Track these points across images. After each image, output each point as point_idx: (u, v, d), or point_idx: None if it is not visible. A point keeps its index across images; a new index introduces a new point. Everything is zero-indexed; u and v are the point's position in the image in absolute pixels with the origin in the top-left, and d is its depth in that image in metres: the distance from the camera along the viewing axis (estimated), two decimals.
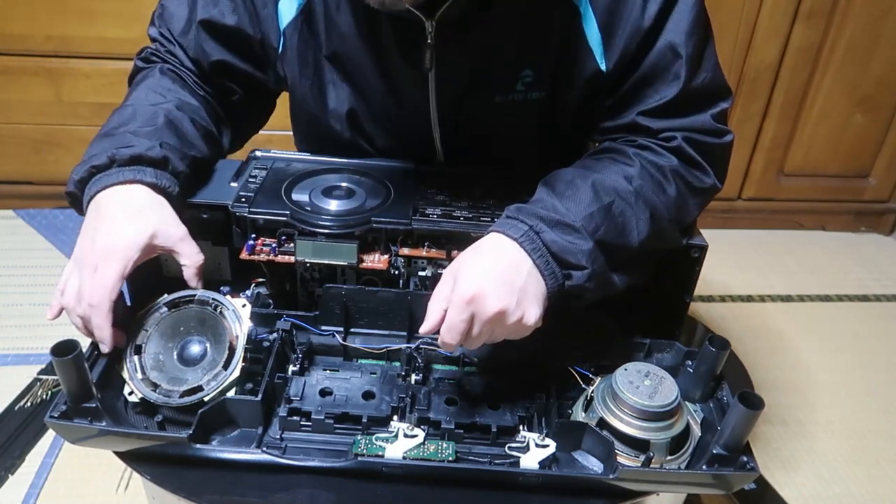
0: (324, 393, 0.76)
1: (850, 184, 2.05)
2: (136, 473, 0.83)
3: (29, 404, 1.37)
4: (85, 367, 0.66)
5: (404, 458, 0.69)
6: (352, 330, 0.81)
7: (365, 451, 0.70)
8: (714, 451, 0.68)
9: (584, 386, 0.76)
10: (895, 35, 1.81)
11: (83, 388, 0.67)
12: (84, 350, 0.68)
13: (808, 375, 1.59)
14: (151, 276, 0.81)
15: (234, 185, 0.84)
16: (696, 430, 0.75)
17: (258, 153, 0.92)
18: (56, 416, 0.68)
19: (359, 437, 0.71)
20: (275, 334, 0.78)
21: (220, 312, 0.76)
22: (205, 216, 0.82)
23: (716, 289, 1.84)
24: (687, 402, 0.76)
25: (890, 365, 1.64)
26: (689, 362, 0.78)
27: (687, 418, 0.73)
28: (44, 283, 1.69)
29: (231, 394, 0.72)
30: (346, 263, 0.79)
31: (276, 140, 1.21)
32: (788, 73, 1.84)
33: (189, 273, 0.76)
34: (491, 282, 0.67)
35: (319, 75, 0.88)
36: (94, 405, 0.67)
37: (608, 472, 0.68)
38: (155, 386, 0.72)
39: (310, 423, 0.72)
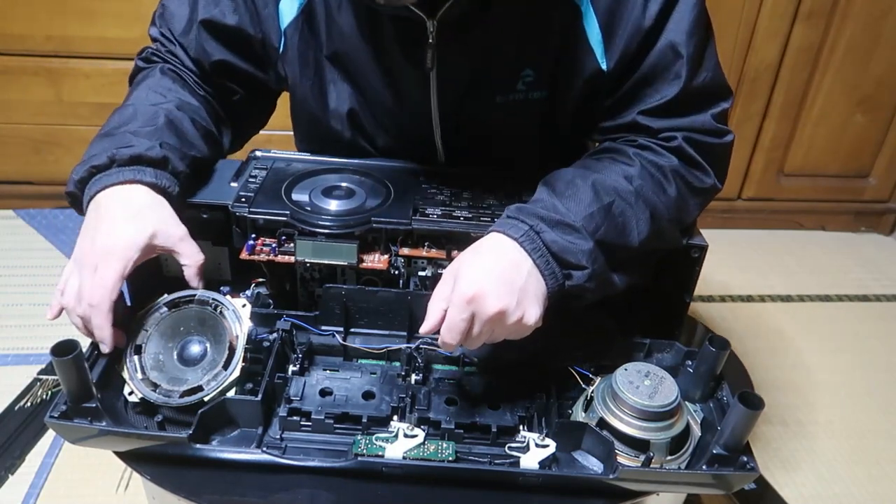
0: (324, 393, 0.76)
1: (850, 184, 2.05)
2: (136, 473, 0.83)
3: (29, 404, 1.37)
4: (85, 367, 0.66)
5: (404, 458, 0.69)
6: (352, 330, 0.81)
7: (365, 451, 0.70)
8: (714, 451, 0.68)
9: (584, 386, 0.76)
10: (895, 35, 1.81)
11: (83, 388, 0.67)
12: (84, 350, 0.68)
13: (808, 375, 1.59)
14: (151, 276, 0.81)
15: (234, 185, 0.84)
16: (696, 430, 0.75)
17: (258, 153, 0.92)
18: (56, 416, 0.68)
19: (359, 437, 0.71)
20: (275, 334, 0.78)
21: (220, 312, 0.76)
22: (205, 216, 0.82)
23: (716, 289, 1.84)
24: (687, 402, 0.76)
25: (890, 365, 1.64)
26: (689, 362, 0.78)
27: (687, 418, 0.73)
28: (44, 283, 1.69)
29: (231, 394, 0.72)
30: (346, 263, 0.79)
31: (276, 140, 1.21)
32: (788, 73, 1.83)
33: (190, 273, 0.76)
34: (491, 281, 0.67)
35: (320, 75, 0.88)
36: (94, 405, 0.67)
37: (608, 472, 0.68)
38: (155, 386, 0.72)
39: (310, 423, 0.72)
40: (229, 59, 0.87)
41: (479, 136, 0.90)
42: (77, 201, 0.77)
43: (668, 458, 0.71)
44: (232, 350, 0.74)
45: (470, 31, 0.79)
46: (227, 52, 0.87)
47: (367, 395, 0.76)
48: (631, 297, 0.80)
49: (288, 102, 0.98)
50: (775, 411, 1.49)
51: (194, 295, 0.76)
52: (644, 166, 0.78)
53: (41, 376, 1.44)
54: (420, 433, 0.71)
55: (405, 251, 0.80)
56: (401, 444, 0.70)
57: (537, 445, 0.71)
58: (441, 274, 0.71)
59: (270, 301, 0.83)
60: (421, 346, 0.79)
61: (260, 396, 0.71)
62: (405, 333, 0.81)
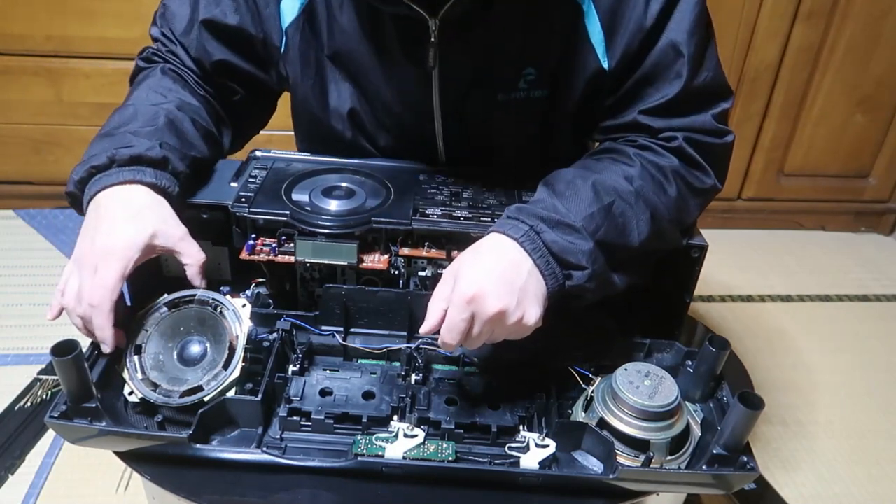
0: (324, 393, 0.76)
1: (850, 184, 2.05)
2: (136, 473, 0.83)
3: (29, 404, 1.37)
4: (85, 367, 0.66)
5: (404, 458, 0.69)
6: (352, 330, 0.81)
7: (365, 451, 0.70)
8: (714, 451, 0.68)
9: (584, 386, 0.76)
10: (895, 35, 1.81)
11: (83, 388, 0.67)
12: (84, 350, 0.68)
13: (808, 375, 1.59)
14: (151, 276, 0.81)
15: (234, 185, 0.84)
16: (696, 430, 0.75)
17: (258, 153, 0.92)
18: (56, 416, 0.68)
19: (359, 437, 0.71)
20: (275, 334, 0.78)
21: (220, 312, 0.76)
22: (205, 216, 0.82)
23: (716, 289, 1.85)
24: (687, 402, 0.76)
25: (890, 365, 1.64)
26: (689, 362, 0.78)
27: (687, 418, 0.73)
28: (44, 283, 1.69)
29: (231, 394, 0.72)
30: (346, 263, 0.79)
31: (276, 140, 1.21)
32: (788, 73, 1.84)
33: (192, 272, 0.76)
34: (491, 282, 0.67)
35: (321, 75, 0.88)
36: (94, 405, 0.67)
37: (608, 472, 0.68)
38: (155, 386, 0.72)
39: (310, 423, 0.72)
40: (230, 58, 0.87)
41: (481, 135, 0.90)
42: (77, 201, 0.77)
43: (668, 458, 0.71)
44: (232, 350, 0.74)
45: (472, 30, 0.80)
46: (227, 52, 0.87)
47: (367, 395, 0.76)
48: (631, 297, 0.80)
49: (288, 102, 0.98)
50: (775, 411, 1.49)
51: (194, 295, 0.76)
52: (644, 166, 0.78)
53: (41, 376, 1.44)
54: (420, 433, 0.71)
55: (405, 251, 0.80)
56: (401, 444, 0.70)
57: (537, 445, 0.71)
58: (441, 274, 0.71)
59: (270, 301, 0.83)
60: (421, 346, 0.79)
61: (260, 396, 0.71)
62: (405, 333, 0.81)
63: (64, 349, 0.64)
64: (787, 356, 1.64)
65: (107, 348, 0.71)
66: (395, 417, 0.74)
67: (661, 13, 0.77)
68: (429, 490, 0.69)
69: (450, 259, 0.79)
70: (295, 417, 0.72)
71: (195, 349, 0.75)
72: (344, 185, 0.85)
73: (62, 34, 1.70)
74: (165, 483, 0.69)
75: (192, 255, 0.75)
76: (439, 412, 0.74)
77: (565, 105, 0.86)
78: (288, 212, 0.79)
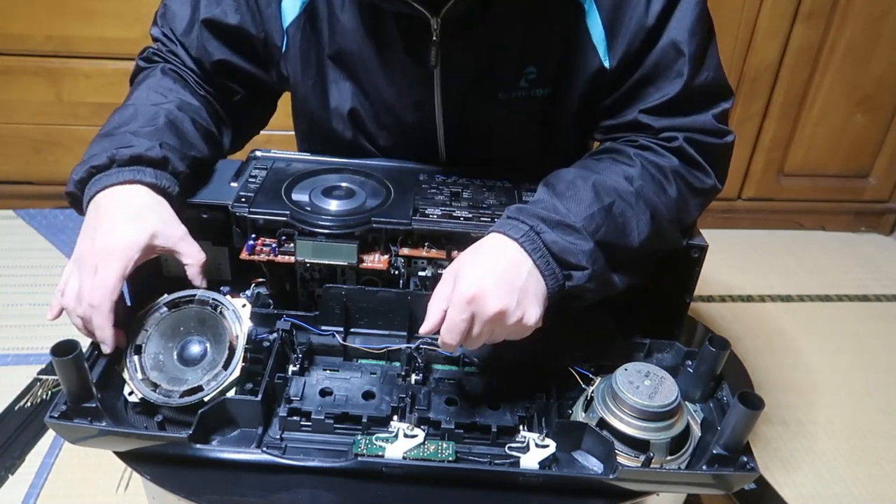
0: (324, 393, 0.76)
1: (850, 184, 2.05)
2: (136, 473, 0.83)
3: (29, 404, 1.37)
4: (85, 367, 0.66)
5: (404, 458, 0.69)
6: (352, 330, 0.81)
7: (365, 451, 0.70)
8: (714, 451, 0.68)
9: (584, 386, 0.76)
10: (895, 35, 1.81)
11: (83, 388, 0.67)
12: (84, 350, 0.68)
13: (808, 375, 1.59)
14: (151, 276, 0.81)
15: (234, 185, 0.84)
16: (696, 430, 0.75)
17: (258, 153, 0.92)
18: (56, 416, 0.68)
19: (359, 437, 0.71)
20: (275, 334, 0.78)
21: (220, 312, 0.76)
22: (205, 216, 0.82)
23: (716, 289, 1.85)
24: (687, 402, 0.76)
25: (890, 365, 1.64)
26: (689, 362, 0.78)
27: (687, 418, 0.73)
28: (44, 283, 1.69)
29: (231, 394, 0.72)
30: (346, 263, 0.79)
31: (276, 140, 1.21)
32: (788, 73, 1.84)
33: (193, 272, 0.76)
34: (491, 282, 0.67)
35: (322, 74, 0.88)
36: (94, 405, 0.67)
37: (608, 472, 0.68)
38: (155, 386, 0.72)
39: (310, 423, 0.72)
40: (230, 58, 0.88)
41: (482, 134, 0.90)
42: (77, 201, 0.77)
43: (668, 458, 0.71)
44: (232, 350, 0.74)
45: (473, 29, 0.80)
46: (228, 52, 0.87)
47: (367, 395, 0.76)
48: (631, 297, 0.80)
49: (288, 102, 0.98)
50: (775, 411, 1.49)
51: (194, 295, 0.76)
52: (645, 167, 0.78)
53: (41, 376, 1.44)
54: (420, 433, 0.71)
55: (405, 251, 0.80)
56: (401, 444, 0.70)
57: (537, 445, 0.71)
58: (441, 274, 0.71)
59: (270, 301, 0.83)
60: (421, 346, 0.79)
61: (260, 396, 0.71)
62: (405, 333, 0.81)
63: (64, 349, 0.64)
64: (787, 356, 1.64)
65: (107, 348, 0.71)
66: (395, 417, 0.74)
67: (662, 12, 0.77)
68: (429, 490, 0.69)
69: (450, 259, 0.79)
70: (295, 417, 0.72)
71: (195, 349, 0.75)
72: (344, 185, 0.85)
73: (62, 34, 1.70)
74: (165, 483, 0.69)
75: (192, 255, 0.75)
76: (439, 412, 0.74)
77: (566, 104, 0.86)
78: (288, 212, 0.79)
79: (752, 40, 1.78)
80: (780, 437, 1.43)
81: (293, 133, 1.02)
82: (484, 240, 0.72)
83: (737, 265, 1.94)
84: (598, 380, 0.76)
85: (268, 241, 0.80)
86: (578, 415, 0.75)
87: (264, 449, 0.70)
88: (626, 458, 0.70)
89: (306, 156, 0.92)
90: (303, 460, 0.69)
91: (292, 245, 0.79)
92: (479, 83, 0.84)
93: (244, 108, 0.93)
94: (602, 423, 0.72)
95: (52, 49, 1.72)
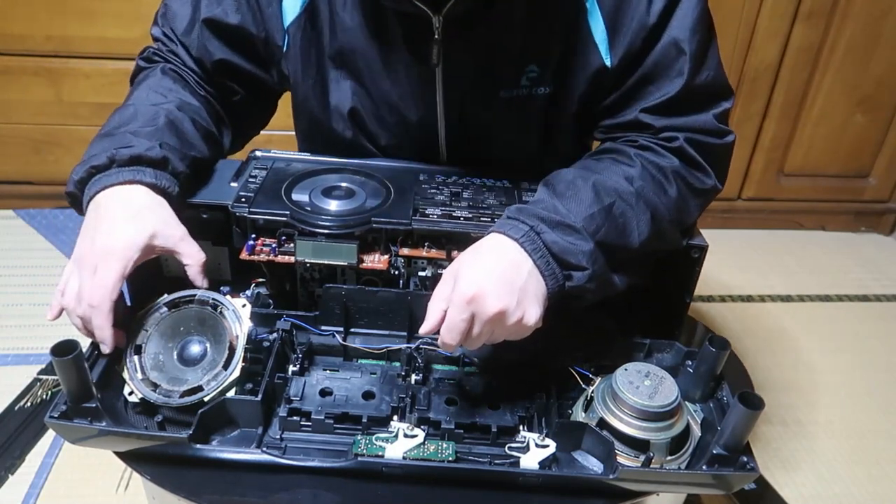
0: (324, 393, 0.76)
1: (850, 184, 2.05)
2: (136, 473, 0.83)
3: (29, 404, 1.37)
4: (85, 367, 0.66)
5: (404, 458, 0.69)
6: (352, 330, 0.81)
7: (365, 451, 0.70)
8: (714, 451, 0.68)
9: (584, 386, 0.76)
10: (895, 35, 1.81)
11: (83, 388, 0.67)
12: (84, 350, 0.68)
13: (808, 375, 1.59)
14: (151, 276, 0.82)
15: (234, 185, 0.84)
16: (696, 430, 0.75)
17: (258, 153, 0.92)
18: (56, 416, 0.68)
19: (359, 437, 0.71)
20: (275, 334, 0.78)
21: (220, 312, 0.76)
22: (205, 216, 0.82)
23: (716, 289, 1.84)
24: (687, 402, 0.76)
25: (890, 365, 1.64)
26: (689, 362, 0.78)
27: (687, 418, 0.73)
28: (44, 283, 1.69)
29: (231, 394, 0.72)
30: (346, 263, 0.79)
31: (276, 140, 1.21)
32: (788, 73, 1.84)
33: (193, 272, 0.76)
34: (491, 282, 0.67)
35: (322, 73, 0.88)
36: (94, 405, 0.67)
37: (608, 472, 0.68)
38: (155, 386, 0.72)
39: (310, 423, 0.72)
40: (231, 58, 0.88)
41: (483, 132, 0.90)
42: (77, 201, 0.77)
43: (668, 458, 0.71)
44: (232, 350, 0.74)
45: (475, 28, 0.80)
46: (228, 52, 0.87)
47: (367, 395, 0.76)
48: (631, 298, 0.80)
49: (288, 102, 0.98)
50: (775, 411, 1.49)
51: (194, 295, 0.76)
52: (645, 167, 0.78)
53: (41, 376, 1.44)
54: (420, 433, 0.71)
55: (405, 251, 0.80)
56: (401, 444, 0.70)
57: (537, 445, 0.71)
58: (441, 274, 0.71)
59: (270, 301, 0.83)
60: (421, 346, 0.79)
61: (260, 396, 0.71)
62: (405, 333, 0.81)
63: (64, 349, 0.64)
64: (787, 356, 1.64)
65: (106, 348, 0.71)
66: (395, 417, 0.74)
67: (663, 11, 0.77)
68: (429, 490, 0.69)
69: (450, 259, 0.79)
70: (295, 417, 0.72)
71: (195, 349, 0.75)
72: (344, 185, 0.85)
73: (62, 34, 1.70)
74: (165, 483, 0.69)
75: (191, 256, 0.75)
76: (439, 412, 0.74)
77: (567, 103, 0.86)
78: (288, 212, 0.79)
79: (752, 40, 1.78)
80: (780, 437, 1.43)
81: (293, 133, 1.02)
82: (484, 240, 0.72)
83: (737, 265, 1.94)
84: (598, 380, 0.76)
85: (268, 241, 0.80)
86: (578, 415, 0.75)
87: (264, 449, 0.70)
88: (626, 458, 0.70)
89: (306, 156, 0.92)
90: (303, 460, 0.69)
91: (292, 245, 0.79)
92: (480, 81, 0.84)
93: (244, 109, 0.94)
94: (602, 423, 0.72)
95: (52, 49, 1.72)
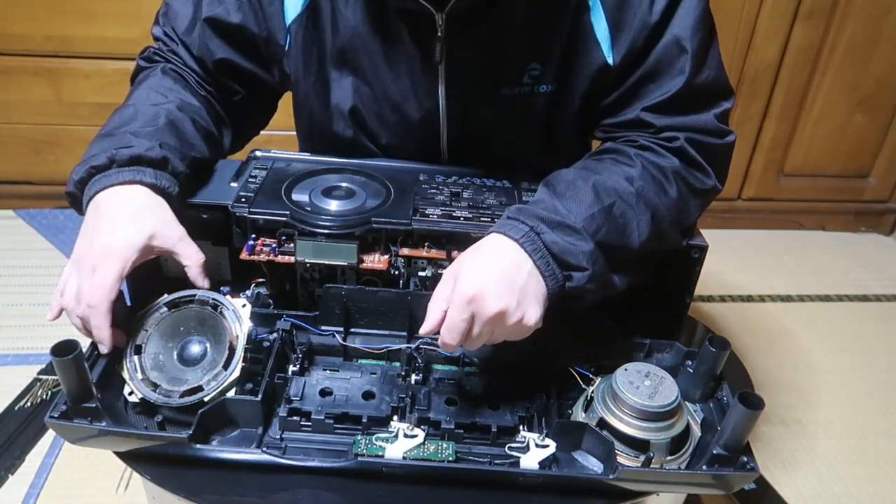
0: (324, 393, 0.76)
1: (850, 184, 2.05)
2: (136, 473, 0.83)
3: (29, 404, 1.37)
4: (85, 367, 0.66)
5: (404, 458, 0.69)
6: (352, 330, 0.81)
7: (365, 451, 0.70)
8: (714, 452, 0.68)
9: (584, 386, 0.76)
10: (895, 35, 1.81)
11: (83, 388, 0.67)
12: (84, 350, 0.68)
13: (808, 375, 1.59)
14: (151, 276, 0.82)
15: (234, 185, 0.84)
16: (696, 430, 0.75)
17: (258, 153, 0.92)
18: (56, 416, 0.68)
19: (359, 437, 0.71)
20: (275, 334, 0.78)
21: (220, 312, 0.76)
22: (205, 216, 0.82)
23: (716, 289, 1.84)
24: (687, 402, 0.76)
25: (890, 365, 1.64)
26: (689, 362, 0.78)
27: (687, 418, 0.73)
28: (44, 283, 1.69)
29: (231, 394, 0.72)
30: (346, 264, 0.79)
31: (276, 140, 1.21)
32: (788, 73, 1.84)
33: (193, 273, 0.76)
34: (491, 282, 0.67)
35: (323, 72, 0.89)
36: (94, 405, 0.67)
37: (608, 472, 0.68)
38: (155, 386, 0.72)
39: (310, 423, 0.72)
40: (232, 57, 0.88)
41: (484, 130, 0.90)
42: (77, 201, 0.77)
43: (668, 458, 0.71)
44: (232, 350, 0.74)
45: (477, 25, 0.80)
46: (230, 51, 0.87)
47: (367, 395, 0.76)
48: (631, 298, 0.80)
49: (288, 103, 0.98)
50: (775, 411, 1.49)
51: (194, 295, 0.76)
52: (645, 167, 0.78)
53: (41, 376, 1.44)
54: (420, 433, 0.71)
55: (405, 251, 0.80)
56: (401, 444, 0.70)
57: (537, 445, 0.71)
58: (441, 274, 0.71)
59: (270, 301, 0.83)
60: (421, 346, 0.79)
61: (260, 396, 0.71)
62: (405, 333, 0.81)
63: (64, 349, 0.64)
64: (787, 356, 1.64)
65: (104, 348, 0.71)
66: (395, 417, 0.73)
67: (666, 9, 0.78)
68: (429, 490, 0.69)
69: (450, 259, 0.79)
70: (295, 417, 0.72)
71: (195, 349, 0.75)
72: (344, 185, 0.85)
73: (62, 34, 1.70)
74: (165, 483, 0.69)
75: (190, 257, 0.75)
76: (439, 412, 0.74)
77: (569, 101, 0.86)
78: (288, 212, 0.79)
79: (752, 40, 1.78)
80: (780, 437, 1.43)
81: (293, 133, 1.02)
82: (484, 240, 0.72)
83: (737, 265, 1.94)
84: (598, 380, 0.76)
85: (268, 241, 0.80)
86: (578, 415, 0.75)
87: (264, 449, 0.70)
88: (626, 458, 0.70)
89: (306, 156, 0.92)
90: (303, 460, 0.69)
91: (292, 245, 0.79)
92: (482, 79, 0.84)
93: (245, 108, 0.94)
94: (602, 423, 0.72)
95: (52, 49, 1.72)
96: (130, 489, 1.24)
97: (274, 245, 0.80)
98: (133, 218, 0.72)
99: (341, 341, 0.80)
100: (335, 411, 0.72)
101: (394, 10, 0.81)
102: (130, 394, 0.73)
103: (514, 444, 0.72)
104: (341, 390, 0.77)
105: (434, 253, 0.80)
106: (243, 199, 0.80)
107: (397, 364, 0.80)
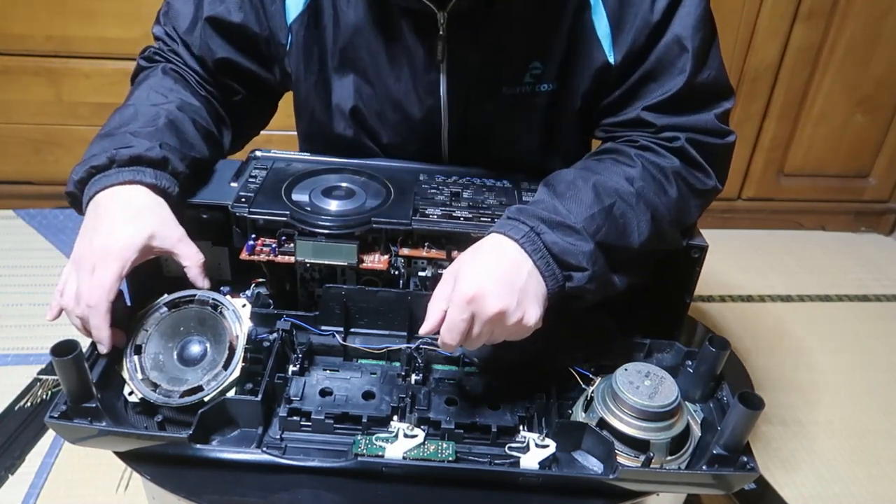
0: (324, 393, 0.76)
1: (850, 184, 2.05)
2: (136, 473, 0.83)
3: (29, 404, 1.37)
4: (85, 367, 0.66)
5: (404, 458, 0.69)
6: (352, 330, 0.81)
7: (365, 451, 0.70)
8: (714, 452, 0.68)
9: (584, 386, 0.76)
10: (895, 35, 1.81)
11: (83, 388, 0.67)
12: (84, 350, 0.68)
13: (808, 375, 1.59)
14: (151, 276, 0.82)
15: (234, 185, 0.84)
16: (696, 430, 0.75)
17: (258, 153, 0.92)
18: (56, 416, 0.68)
19: (359, 437, 0.71)
20: (275, 334, 0.78)
21: (220, 312, 0.76)
22: (205, 216, 0.82)
23: (716, 289, 1.84)
24: (687, 402, 0.76)
25: (890, 365, 1.64)
26: (689, 362, 0.78)
27: (687, 418, 0.73)
28: (44, 283, 1.69)
29: (231, 394, 0.72)
30: (346, 264, 0.79)
31: (276, 140, 1.21)
32: (788, 73, 1.84)
33: (193, 273, 0.76)
34: (491, 282, 0.67)
35: (324, 71, 0.89)
36: (94, 405, 0.67)
37: (608, 472, 0.68)
38: (155, 386, 0.72)
39: (310, 423, 0.72)
40: (233, 56, 0.88)
41: (485, 130, 0.90)
42: (77, 201, 0.77)
43: (668, 458, 0.71)
44: (232, 350, 0.74)
45: (479, 24, 0.80)
46: (231, 50, 0.87)
47: (367, 395, 0.76)
48: (631, 298, 0.80)
49: (289, 103, 0.98)
50: (775, 411, 1.49)
51: (194, 295, 0.76)
52: (645, 167, 0.78)
53: (41, 376, 1.44)
54: (420, 433, 0.71)
55: (405, 251, 0.80)
56: (401, 444, 0.70)
57: (537, 445, 0.71)
58: (441, 274, 0.71)
59: (270, 301, 0.83)
60: (421, 346, 0.79)
61: (260, 396, 0.71)
62: (405, 333, 0.81)
63: (64, 349, 0.64)
64: (787, 356, 1.64)
65: (103, 348, 0.71)
66: (395, 417, 0.74)
67: (667, 8, 0.78)
68: (429, 490, 0.69)
69: (450, 259, 0.79)
70: (295, 417, 0.72)
71: (195, 349, 0.75)
72: (344, 185, 0.85)
73: (62, 34, 1.70)
74: (165, 483, 0.69)
75: (189, 257, 0.75)
76: (439, 412, 0.74)
77: (570, 100, 0.86)
78: (288, 212, 0.79)
79: (752, 40, 1.78)
80: (780, 437, 1.43)
81: (293, 133, 1.02)
82: (484, 240, 0.72)
83: (737, 265, 1.94)
84: (598, 380, 0.76)
85: (268, 241, 0.80)
86: (578, 415, 0.75)
87: (264, 449, 0.70)
88: (626, 458, 0.70)
89: (306, 156, 0.92)
90: (303, 460, 0.69)
91: (292, 245, 0.79)
92: (484, 78, 0.84)
93: (245, 108, 0.94)
94: (602, 423, 0.72)
95: (52, 49, 1.72)
96: (130, 489, 1.24)
97: (274, 245, 0.80)
98: (133, 218, 0.72)
99: (341, 341, 0.80)
100: (335, 411, 0.72)
101: (395, 9, 0.81)
102: (130, 394, 0.73)
103: (514, 444, 0.72)
104: (341, 390, 0.77)
105: (434, 253, 0.80)
106: (243, 199, 0.80)
107: (397, 364, 0.80)
